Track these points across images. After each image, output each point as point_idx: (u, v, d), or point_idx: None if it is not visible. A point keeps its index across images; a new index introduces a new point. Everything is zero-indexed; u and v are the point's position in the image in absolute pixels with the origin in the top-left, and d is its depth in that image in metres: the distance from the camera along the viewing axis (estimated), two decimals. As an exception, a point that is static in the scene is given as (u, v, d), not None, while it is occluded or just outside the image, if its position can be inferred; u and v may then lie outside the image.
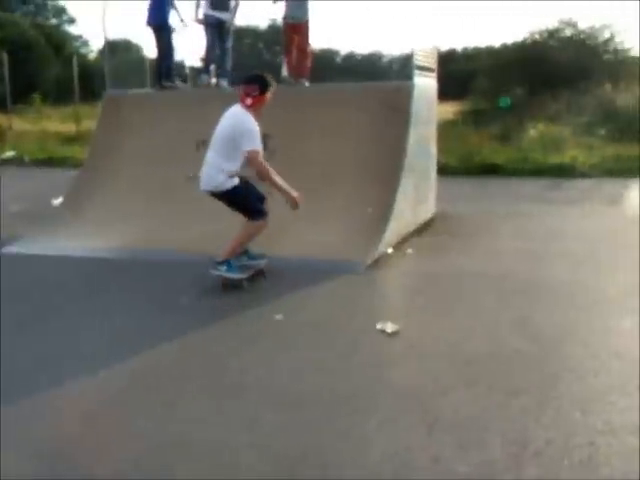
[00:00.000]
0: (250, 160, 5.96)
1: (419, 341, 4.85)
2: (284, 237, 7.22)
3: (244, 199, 6.20)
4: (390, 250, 7.22)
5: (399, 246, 7.43)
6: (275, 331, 5.15)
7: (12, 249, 7.64)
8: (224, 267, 6.13)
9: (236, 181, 6.11)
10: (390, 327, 5.03)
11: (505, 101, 19.83)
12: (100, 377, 4.34)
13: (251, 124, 5.96)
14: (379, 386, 4.16)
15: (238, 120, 6.02)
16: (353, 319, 5.38)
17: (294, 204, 6.06)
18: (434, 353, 4.61)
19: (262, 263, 6.50)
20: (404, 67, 13.04)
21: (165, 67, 9.96)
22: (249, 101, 6.03)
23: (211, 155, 6.15)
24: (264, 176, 6.02)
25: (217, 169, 6.07)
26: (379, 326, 5.06)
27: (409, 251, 7.38)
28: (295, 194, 6.05)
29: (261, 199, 6.31)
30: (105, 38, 10.42)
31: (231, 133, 6.00)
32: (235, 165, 6.02)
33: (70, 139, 19.38)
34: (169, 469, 3.30)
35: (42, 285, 6.52)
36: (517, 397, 3.90)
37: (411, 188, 7.91)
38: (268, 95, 6.12)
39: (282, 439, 3.53)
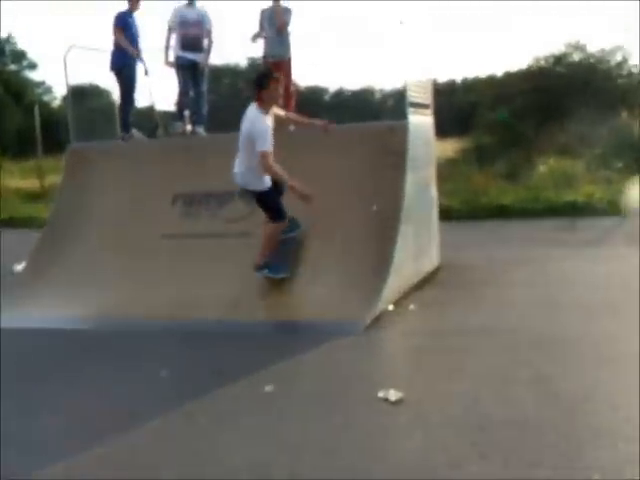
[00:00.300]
0: (260, 161, 6.91)
1: (426, 409, 4.83)
2: (272, 297, 7.27)
3: (273, 200, 7.32)
4: (391, 307, 7.24)
5: (400, 302, 7.45)
6: (264, 404, 5.12)
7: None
8: (265, 271, 7.36)
9: (268, 182, 7.19)
10: (393, 395, 5.01)
11: (502, 115, 20.02)
12: (62, 465, 4.31)
13: (261, 124, 6.95)
14: (383, 461, 4.13)
15: (250, 121, 7.04)
16: (352, 387, 5.36)
17: (307, 200, 7.01)
18: (443, 422, 4.58)
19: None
20: (397, 103, 13.18)
21: (123, 115, 10.12)
22: (258, 102, 7.04)
23: (240, 154, 7.19)
24: (274, 177, 7.07)
25: (247, 167, 7.12)
26: (381, 394, 5.04)
27: (411, 307, 7.40)
28: (307, 191, 7.00)
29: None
30: (67, 83, 10.44)
31: (247, 134, 7.02)
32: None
33: (33, 196, 19.48)
34: None
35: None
36: (537, 469, 3.86)
37: (411, 237, 7.97)
38: (271, 87, 7.05)
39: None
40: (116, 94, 10.60)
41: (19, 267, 9.49)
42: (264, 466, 4.13)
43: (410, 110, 8.33)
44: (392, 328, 6.81)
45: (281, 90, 7.59)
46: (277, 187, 7.31)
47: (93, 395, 5.52)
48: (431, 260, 8.96)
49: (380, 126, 8.75)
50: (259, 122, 6.96)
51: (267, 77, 7.23)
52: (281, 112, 7.49)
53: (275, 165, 6.96)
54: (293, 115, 7.87)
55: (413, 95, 8.57)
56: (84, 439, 4.65)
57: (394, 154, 7.88)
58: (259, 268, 7.37)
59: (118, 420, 4.95)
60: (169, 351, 6.49)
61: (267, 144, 6.89)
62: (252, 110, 7.07)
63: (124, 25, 9.87)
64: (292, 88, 10.03)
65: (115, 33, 9.84)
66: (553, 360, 5.60)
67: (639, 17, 39.88)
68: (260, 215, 7.70)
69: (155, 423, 4.88)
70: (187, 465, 4.22)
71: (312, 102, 22.76)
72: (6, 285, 8.75)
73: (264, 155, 6.88)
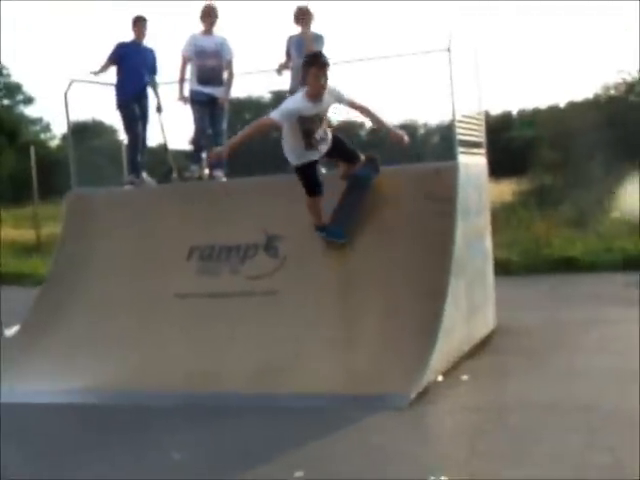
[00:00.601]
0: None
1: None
2: (302, 366, 7.24)
3: (305, 177, 7.96)
4: (440, 377, 7.19)
5: (451, 372, 7.40)
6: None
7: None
8: (323, 233, 8.06)
9: (296, 159, 7.86)
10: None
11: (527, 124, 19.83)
12: None
13: (289, 100, 7.97)
14: None
15: None
16: (395, 473, 5.32)
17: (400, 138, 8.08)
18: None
19: None
20: (444, 140, 13.21)
21: (131, 156, 10.28)
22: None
23: None
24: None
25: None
26: (431, 480, 5.01)
27: (464, 378, 7.34)
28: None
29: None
30: (68, 120, 10.55)
31: None
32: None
33: (28, 249, 19.74)
34: None
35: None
36: None
37: (463, 295, 7.95)
38: (310, 72, 7.52)
39: None
40: (123, 133, 10.75)
41: (10, 331, 9.57)
42: None
43: (459, 149, 8.36)
44: (442, 403, 6.74)
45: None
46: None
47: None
48: (486, 322, 8.92)
49: (425, 168, 8.77)
50: (290, 99, 7.99)
51: (308, 63, 7.64)
52: (366, 106, 8.13)
53: (252, 131, 7.89)
54: (375, 113, 8.23)
55: (462, 131, 8.62)
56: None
57: (441, 200, 7.89)
58: (317, 229, 8.08)
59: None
60: (183, 429, 6.49)
61: (275, 114, 7.61)
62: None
63: (119, 56, 10.05)
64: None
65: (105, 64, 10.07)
66: (632, 441, 5.48)
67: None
68: (288, 272, 7.77)
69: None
70: None
71: (346, 140, 22.83)
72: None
73: (261, 120, 7.98)
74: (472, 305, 8.27)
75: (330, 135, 7.98)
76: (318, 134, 7.75)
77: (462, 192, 8.06)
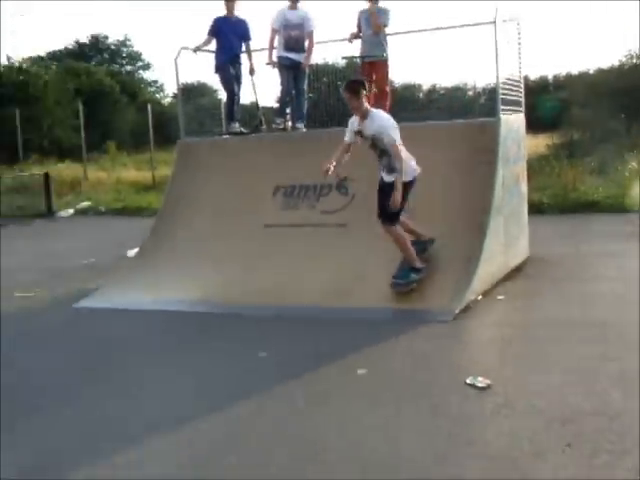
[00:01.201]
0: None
1: (512, 397, 4.74)
2: (366, 284, 7.25)
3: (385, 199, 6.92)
4: (479, 297, 7.13)
5: (489, 292, 7.33)
6: (357, 387, 5.14)
7: (86, 303, 7.94)
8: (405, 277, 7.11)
9: (392, 178, 6.85)
10: (480, 382, 4.95)
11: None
12: (173, 438, 4.44)
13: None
14: (469, 447, 4.08)
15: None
16: (440, 373, 5.33)
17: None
18: (529, 411, 4.48)
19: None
20: (490, 100, 12.96)
21: (228, 112, 10.26)
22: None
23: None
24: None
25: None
26: (469, 380, 4.98)
27: (500, 298, 7.28)
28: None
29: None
30: (178, 83, 10.65)
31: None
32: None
33: (146, 187, 20.02)
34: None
35: (115, 341, 6.73)
36: (623, 458, 3.75)
37: (501, 230, 7.83)
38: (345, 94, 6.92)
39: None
40: (222, 92, 10.79)
41: (132, 252, 9.77)
42: (356, 446, 4.17)
43: (502, 107, 8.19)
44: (481, 317, 6.72)
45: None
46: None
47: (193, 374, 5.67)
48: (520, 252, 8.77)
49: (472, 124, 8.60)
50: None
51: (351, 87, 6.95)
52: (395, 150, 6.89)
53: (339, 152, 7.14)
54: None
55: (505, 92, 8.42)
56: (184, 415, 4.79)
57: (486, 151, 7.75)
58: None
59: (216, 398, 5.07)
60: (267, 333, 6.58)
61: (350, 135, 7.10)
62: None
63: (216, 29, 9.99)
64: (388, 87, 9.97)
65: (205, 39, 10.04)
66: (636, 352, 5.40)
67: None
68: (355, 208, 7.75)
69: (252, 403, 4.97)
70: (278, 444, 4.28)
71: (406, 99, 22.56)
72: (119, 269, 9.04)
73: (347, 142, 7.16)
74: (509, 238, 8.13)
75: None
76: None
77: (503, 144, 7.89)
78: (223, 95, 10.65)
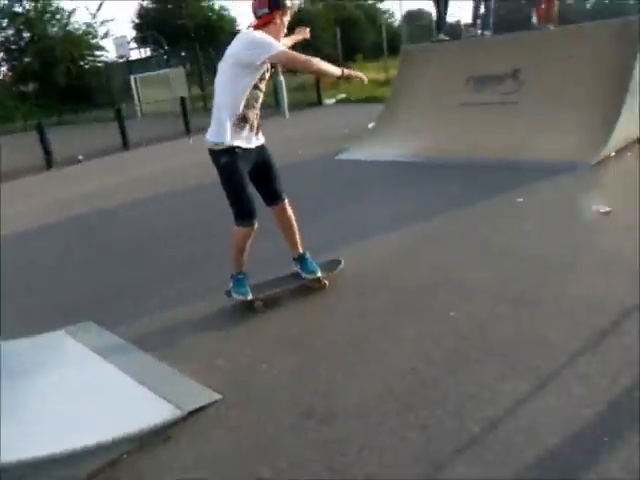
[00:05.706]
0: (284, 62, 3.47)
1: (626, 219, 4.54)
2: (530, 145, 6.93)
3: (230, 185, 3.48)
4: (613, 154, 6.56)
5: (621, 151, 6.67)
6: (518, 209, 5.14)
7: (342, 156, 8.38)
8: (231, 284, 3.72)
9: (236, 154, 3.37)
10: (604, 208, 4.77)
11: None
12: (397, 234, 4.82)
13: (258, 35, 3.29)
14: (591, 248, 4.06)
15: (238, 41, 3.32)
16: (576, 202, 5.16)
17: (360, 79, 3.53)
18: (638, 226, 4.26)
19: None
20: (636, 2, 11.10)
21: (436, 25, 9.76)
22: (256, 23, 3.39)
23: (214, 108, 3.41)
24: (309, 67, 3.38)
25: (217, 120, 3.37)
26: (595, 207, 4.82)
27: (629, 154, 6.64)
28: (350, 72, 3.49)
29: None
30: (400, 9, 10.39)
31: (232, 63, 3.30)
32: (237, 108, 3.32)
33: (381, 84, 19.79)
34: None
35: (361, 179, 7.13)
36: None
37: (635, 106, 7.00)
38: (277, 16, 3.38)
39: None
40: (434, 15, 10.29)
41: (371, 125, 9.98)
42: (508, 249, 4.27)
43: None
44: (612, 168, 6.21)
45: None
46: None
47: (411, 199, 5.96)
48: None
49: (618, 22, 7.47)
50: (255, 34, 3.33)
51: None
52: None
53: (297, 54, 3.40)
54: (322, 64, 3.40)
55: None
56: (408, 219, 5.11)
57: (628, 42, 6.83)
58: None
59: (423, 211, 5.35)
60: (458, 176, 6.57)
61: (277, 45, 3.30)
62: (241, 34, 3.43)
63: None
64: (555, -1, 8.91)
65: None
66: None
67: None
68: (524, 90, 7.30)
69: (449, 214, 5.20)
70: (469, 238, 4.50)
71: (575, 9, 19.77)
72: (363, 136, 9.35)
73: (283, 52, 3.30)
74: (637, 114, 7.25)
75: None
76: None
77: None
78: (434, 13, 10.17)
